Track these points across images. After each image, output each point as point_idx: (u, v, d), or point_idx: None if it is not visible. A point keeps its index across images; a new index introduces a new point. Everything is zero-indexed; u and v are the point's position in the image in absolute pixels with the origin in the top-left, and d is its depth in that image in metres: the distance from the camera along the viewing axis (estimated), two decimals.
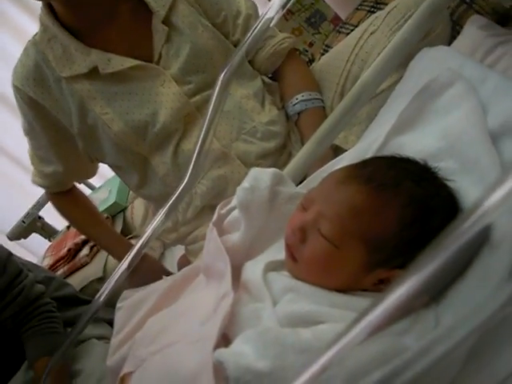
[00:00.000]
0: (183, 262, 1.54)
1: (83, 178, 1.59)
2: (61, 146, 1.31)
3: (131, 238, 2.06)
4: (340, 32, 1.82)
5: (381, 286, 0.63)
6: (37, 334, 1.37)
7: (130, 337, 0.88)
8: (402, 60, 1.01)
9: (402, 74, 0.98)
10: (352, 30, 1.78)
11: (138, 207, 2.11)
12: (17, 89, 1.22)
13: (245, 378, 0.52)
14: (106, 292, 1.01)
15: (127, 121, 1.18)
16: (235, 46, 1.27)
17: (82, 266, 2.01)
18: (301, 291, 0.64)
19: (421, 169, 0.66)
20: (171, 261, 1.76)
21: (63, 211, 1.57)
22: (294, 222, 0.67)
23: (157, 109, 1.19)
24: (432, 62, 0.85)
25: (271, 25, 1.29)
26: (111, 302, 1.03)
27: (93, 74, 1.17)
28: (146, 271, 1.48)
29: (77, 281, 1.91)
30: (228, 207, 0.84)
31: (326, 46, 1.75)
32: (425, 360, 0.47)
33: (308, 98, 1.28)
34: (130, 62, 1.16)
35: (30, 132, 1.31)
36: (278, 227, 0.75)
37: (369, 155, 0.78)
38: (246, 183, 0.77)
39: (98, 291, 1.75)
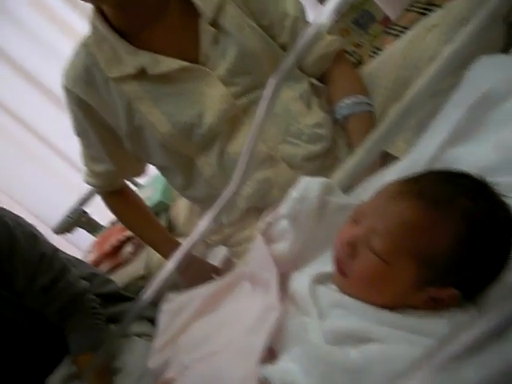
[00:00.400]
0: (227, 263, 1.55)
1: (133, 176, 1.60)
2: (111, 145, 1.32)
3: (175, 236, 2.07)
4: (389, 33, 1.79)
5: (431, 304, 0.61)
6: (80, 330, 1.39)
7: (172, 340, 0.89)
8: (457, 68, 0.98)
9: (453, 80, 0.95)
10: (401, 32, 1.75)
11: (181, 206, 2.11)
12: (67, 90, 1.23)
13: None
14: (152, 290, 1.02)
15: (174, 122, 1.19)
16: (282, 48, 1.26)
17: (126, 262, 2.04)
18: (349, 307, 0.63)
19: (476, 184, 0.63)
20: (213, 261, 1.76)
21: (115, 211, 1.59)
22: (344, 235, 0.66)
23: (203, 110, 1.19)
24: (490, 71, 0.82)
25: (324, 30, 1.29)
26: (154, 301, 1.04)
27: (141, 74, 1.17)
28: (196, 271, 1.50)
29: (120, 277, 1.93)
30: (275, 216, 0.83)
31: (375, 48, 1.72)
32: None
33: (356, 102, 1.26)
34: (177, 64, 1.16)
35: (80, 132, 1.33)
36: (326, 237, 0.74)
37: (421, 166, 0.76)
38: (294, 193, 0.76)
39: (140, 288, 1.77)
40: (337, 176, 1.03)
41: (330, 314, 0.63)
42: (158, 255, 1.72)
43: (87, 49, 1.21)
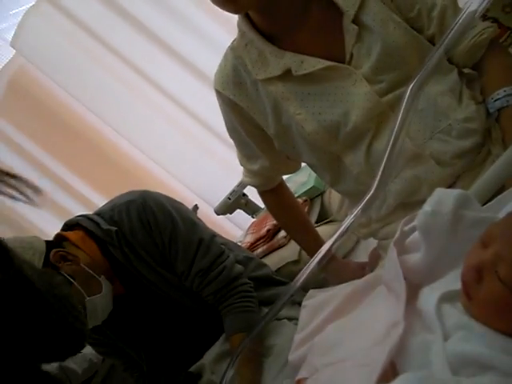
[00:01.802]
0: (374, 255, 1.55)
1: (289, 173, 1.64)
2: (262, 143, 1.38)
3: (328, 222, 2.11)
4: None
5: None
6: (234, 312, 1.49)
7: (310, 337, 0.93)
8: None
9: None
10: None
11: (335, 192, 2.13)
12: (218, 92, 1.31)
13: None
14: (303, 277, 1.07)
15: (320, 121, 1.21)
16: (430, 40, 1.22)
17: (280, 247, 2.09)
18: (473, 330, 0.62)
19: None
20: (365, 250, 1.76)
21: (270, 210, 1.68)
22: (471, 258, 0.64)
23: (349, 109, 1.19)
24: None
25: (475, 16, 1.22)
26: (306, 286, 1.09)
27: (286, 75, 1.21)
28: (335, 272, 1.56)
29: (273, 261, 2.00)
30: (411, 225, 0.83)
31: None
32: None
33: (510, 94, 1.18)
34: (321, 64, 1.18)
35: (233, 132, 1.41)
36: (459, 252, 0.72)
37: None
38: (427, 206, 0.75)
39: (292, 273, 1.87)
40: (483, 178, 1.00)
41: (455, 335, 0.63)
42: None
43: (235, 52, 1.27)
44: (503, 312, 0.60)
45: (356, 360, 0.70)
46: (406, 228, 0.84)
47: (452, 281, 0.70)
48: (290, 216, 1.66)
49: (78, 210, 3.00)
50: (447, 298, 0.69)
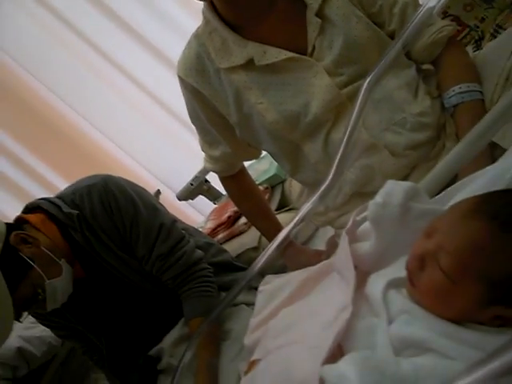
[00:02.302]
0: (331, 243, 1.58)
1: (249, 159, 1.67)
2: (224, 130, 1.40)
3: (288, 209, 2.14)
4: None
5: (497, 322, 0.62)
6: (193, 296, 1.50)
7: (265, 322, 0.96)
8: None
9: None
10: None
11: (295, 181, 2.17)
12: (181, 79, 1.33)
13: None
14: (261, 263, 1.10)
15: (280, 111, 1.23)
16: (390, 36, 1.25)
17: (240, 233, 2.13)
18: (415, 315, 0.66)
19: None
20: (323, 238, 1.79)
21: (232, 196, 1.71)
22: (416, 248, 0.68)
23: (309, 100, 1.22)
24: None
25: (433, 13, 1.26)
26: (263, 272, 1.12)
27: (249, 65, 1.23)
28: (291, 256, 1.58)
29: (233, 247, 2.03)
30: (363, 215, 0.86)
31: (497, 25, 1.63)
32: None
33: (465, 90, 1.22)
34: (284, 54, 1.20)
35: (195, 119, 1.43)
36: (407, 242, 0.76)
37: (506, 179, 0.75)
38: (378, 198, 0.78)
39: (251, 259, 1.89)
40: (435, 170, 1.04)
41: (398, 319, 0.67)
42: None
43: (199, 39, 1.28)
44: (443, 298, 0.64)
45: (306, 342, 0.74)
46: (358, 218, 0.87)
47: (398, 268, 0.74)
48: (250, 202, 1.68)
49: (39, 193, 2.98)
50: (393, 284, 0.73)
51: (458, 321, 0.64)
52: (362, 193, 1.30)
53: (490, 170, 0.83)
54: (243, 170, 1.63)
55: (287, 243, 1.10)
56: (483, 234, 0.61)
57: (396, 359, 0.59)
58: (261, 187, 2.23)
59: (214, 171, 1.60)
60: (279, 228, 1.66)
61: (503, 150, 1.08)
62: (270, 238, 1.64)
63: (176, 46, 1.61)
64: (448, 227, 0.66)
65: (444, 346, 0.60)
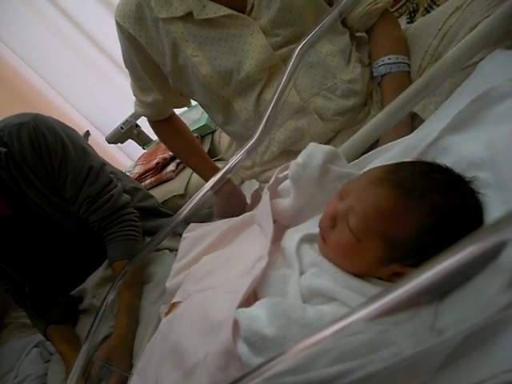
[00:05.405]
0: (255, 196, 1.64)
1: (179, 107, 1.68)
2: (157, 79, 1.41)
3: (217, 160, 2.18)
4: None
5: (394, 278, 0.70)
6: (118, 239, 1.53)
7: (187, 267, 1.02)
8: (490, 43, 1.00)
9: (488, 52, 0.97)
10: None
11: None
12: (118, 24, 1.32)
13: (252, 338, 0.63)
14: (186, 210, 1.14)
15: (215, 65, 1.26)
16: (328, 3, 1.28)
17: (167, 180, 2.16)
18: (323, 268, 0.72)
19: (452, 180, 0.69)
20: (248, 191, 1.85)
21: (163, 138, 1.73)
22: (329, 208, 0.75)
23: (243, 57, 1.25)
24: (501, 66, 0.85)
25: None
26: (188, 220, 1.16)
27: (188, 17, 1.24)
28: (227, 194, 1.63)
29: (160, 193, 2.06)
30: (285, 173, 0.92)
31: (432, 1, 1.70)
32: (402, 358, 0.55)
33: (394, 62, 1.29)
34: (223, 11, 1.22)
35: (129, 64, 1.43)
36: (323, 201, 0.82)
37: (417, 150, 0.82)
38: (300, 158, 0.84)
39: (177, 206, 1.92)
40: (356, 136, 1.11)
41: (309, 271, 0.74)
42: (197, 177, 1.84)
43: None
44: (349, 255, 0.71)
45: (224, 288, 0.80)
46: (281, 175, 0.93)
47: (313, 225, 0.80)
48: (181, 141, 1.72)
49: None
50: (307, 239, 0.79)
51: (361, 275, 0.71)
52: (289, 151, 1.35)
53: (405, 141, 0.90)
54: (173, 114, 1.67)
55: (225, 181, 1.14)
56: (387, 200, 0.68)
57: (303, 306, 0.66)
58: None
59: (144, 115, 1.62)
60: (211, 164, 1.73)
61: (422, 122, 1.16)
62: (203, 174, 1.71)
63: None
64: (358, 191, 0.72)
65: (346, 297, 0.67)
